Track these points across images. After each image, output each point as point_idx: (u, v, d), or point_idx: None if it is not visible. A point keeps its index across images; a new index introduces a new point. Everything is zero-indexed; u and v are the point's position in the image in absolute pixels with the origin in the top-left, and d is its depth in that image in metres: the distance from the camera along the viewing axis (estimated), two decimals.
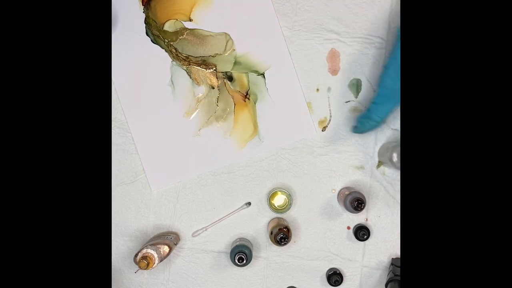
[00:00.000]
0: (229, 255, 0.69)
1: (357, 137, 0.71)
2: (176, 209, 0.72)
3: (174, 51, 0.71)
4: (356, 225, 0.71)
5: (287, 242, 0.65)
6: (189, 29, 0.71)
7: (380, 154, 0.70)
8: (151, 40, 0.71)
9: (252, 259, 0.67)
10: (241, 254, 0.64)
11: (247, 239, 0.71)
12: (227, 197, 0.72)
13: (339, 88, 0.71)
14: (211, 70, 0.71)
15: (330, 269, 0.71)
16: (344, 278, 0.70)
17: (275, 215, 0.72)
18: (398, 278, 0.66)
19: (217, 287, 0.72)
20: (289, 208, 0.70)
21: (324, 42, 0.70)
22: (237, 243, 0.69)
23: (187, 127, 0.71)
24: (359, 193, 0.67)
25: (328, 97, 0.71)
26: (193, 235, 0.72)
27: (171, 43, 0.71)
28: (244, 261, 0.65)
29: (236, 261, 0.65)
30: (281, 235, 0.64)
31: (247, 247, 0.67)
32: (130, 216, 0.72)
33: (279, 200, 0.70)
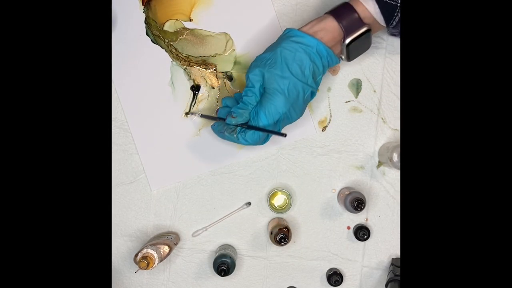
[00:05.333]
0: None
1: (357, 137, 0.71)
2: (176, 209, 0.72)
3: (174, 51, 0.71)
4: (356, 225, 0.71)
5: (287, 242, 0.65)
6: (189, 29, 0.71)
7: (380, 154, 0.70)
8: (151, 40, 0.70)
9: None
10: (223, 266, 0.65)
11: (229, 246, 0.71)
12: (227, 197, 0.72)
13: (339, 88, 0.71)
14: (211, 70, 0.71)
15: (330, 269, 0.71)
16: (344, 278, 0.70)
17: (275, 215, 0.72)
18: (399, 278, 0.66)
19: (217, 287, 0.72)
20: (289, 208, 0.70)
21: None
22: (219, 252, 0.69)
23: (187, 127, 0.71)
24: (359, 193, 0.66)
25: (328, 97, 0.71)
26: (193, 235, 0.72)
27: (171, 43, 0.71)
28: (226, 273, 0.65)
29: (218, 273, 0.65)
30: (281, 235, 0.64)
31: (229, 257, 0.67)
32: (130, 216, 0.72)
33: (279, 200, 0.70)
